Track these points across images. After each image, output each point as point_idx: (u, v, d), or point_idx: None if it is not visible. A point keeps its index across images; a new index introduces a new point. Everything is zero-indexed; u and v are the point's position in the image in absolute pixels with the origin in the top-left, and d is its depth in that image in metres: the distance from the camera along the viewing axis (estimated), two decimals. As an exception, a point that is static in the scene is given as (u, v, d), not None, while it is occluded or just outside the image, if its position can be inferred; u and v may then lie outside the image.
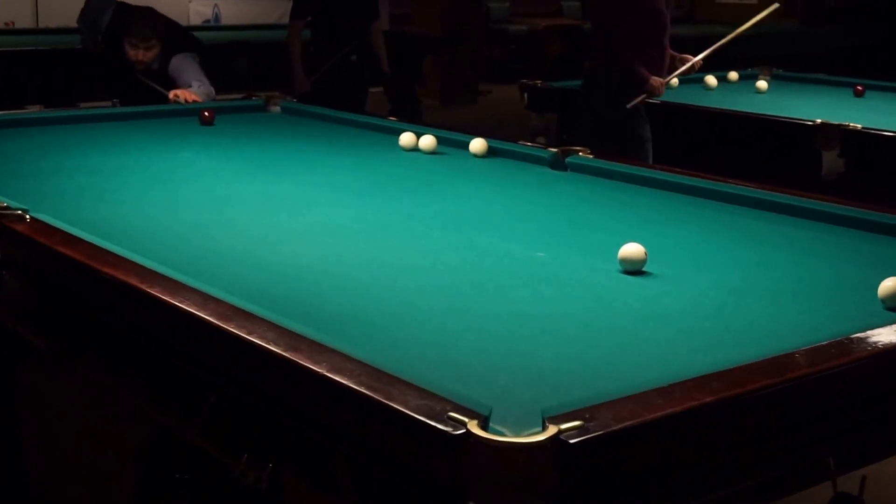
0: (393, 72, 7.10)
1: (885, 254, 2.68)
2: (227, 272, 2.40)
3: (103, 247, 2.42)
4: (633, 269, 2.46)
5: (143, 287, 2.16)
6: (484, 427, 1.55)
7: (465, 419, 1.55)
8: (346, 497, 1.77)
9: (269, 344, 1.86)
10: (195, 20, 10.51)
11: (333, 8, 6.62)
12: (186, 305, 2.05)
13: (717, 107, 5.32)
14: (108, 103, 5.29)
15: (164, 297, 2.10)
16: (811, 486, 1.94)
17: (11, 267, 2.63)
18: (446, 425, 1.55)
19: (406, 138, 3.93)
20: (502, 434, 1.55)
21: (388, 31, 7.01)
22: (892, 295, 2.23)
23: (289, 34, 6.71)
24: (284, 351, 1.83)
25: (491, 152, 3.82)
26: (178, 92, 4.91)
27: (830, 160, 4.64)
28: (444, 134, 4.02)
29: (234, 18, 10.54)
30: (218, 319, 1.98)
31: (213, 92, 5.16)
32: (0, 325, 2.72)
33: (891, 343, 1.95)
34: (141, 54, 5.18)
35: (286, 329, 1.92)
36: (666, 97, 5.17)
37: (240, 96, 5.01)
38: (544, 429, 1.54)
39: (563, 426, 1.54)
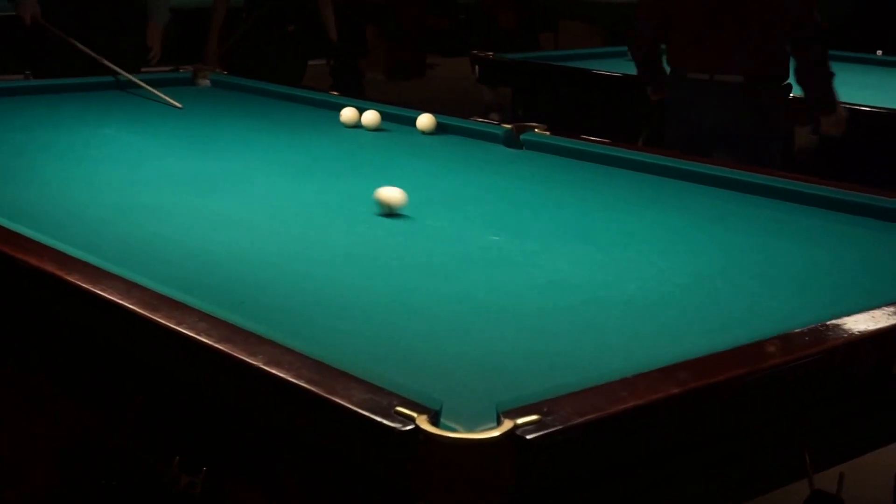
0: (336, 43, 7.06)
1: (860, 235, 2.72)
2: (153, 259, 2.38)
3: (15, 230, 2.39)
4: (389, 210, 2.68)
5: (61, 274, 2.14)
6: (434, 422, 1.55)
7: (414, 414, 1.55)
8: (289, 498, 1.77)
9: (200, 335, 1.85)
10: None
11: None
12: (109, 294, 2.03)
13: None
14: (20, 76, 5.22)
15: (83, 286, 2.08)
16: (786, 485, 1.96)
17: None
18: (394, 421, 1.55)
19: (347, 114, 3.92)
20: (454, 430, 1.55)
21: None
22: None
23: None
24: (217, 342, 1.82)
25: (440, 129, 3.82)
26: (154, 46, 5.01)
27: (803, 137, 4.69)
28: (389, 109, 4.02)
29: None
30: (144, 309, 1.96)
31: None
32: None
33: (867, 330, 1.97)
34: None
35: (219, 319, 1.90)
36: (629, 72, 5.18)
37: (166, 69, 4.97)
38: (499, 423, 1.54)
39: (520, 420, 1.54)
